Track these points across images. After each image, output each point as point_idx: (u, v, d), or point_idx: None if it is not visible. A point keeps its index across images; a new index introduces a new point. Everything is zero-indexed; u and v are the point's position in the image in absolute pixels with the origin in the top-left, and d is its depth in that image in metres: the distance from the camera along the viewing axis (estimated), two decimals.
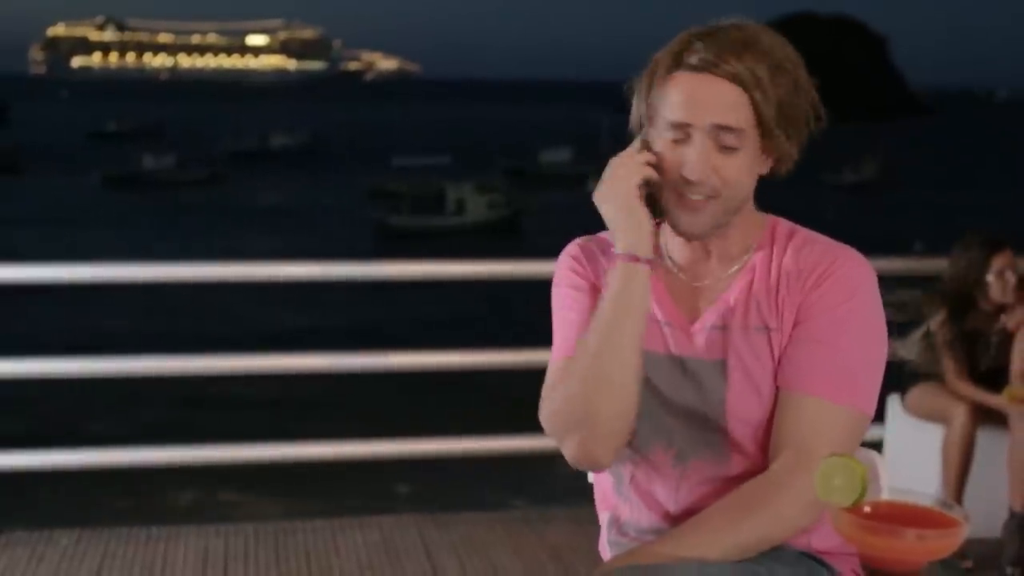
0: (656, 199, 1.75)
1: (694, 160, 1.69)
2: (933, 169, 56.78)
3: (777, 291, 1.76)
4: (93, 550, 3.89)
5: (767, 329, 1.75)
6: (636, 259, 1.72)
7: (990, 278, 4.18)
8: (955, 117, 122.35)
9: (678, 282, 1.83)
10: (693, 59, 1.68)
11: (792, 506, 1.68)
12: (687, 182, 1.70)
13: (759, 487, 1.70)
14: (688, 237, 1.76)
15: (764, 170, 1.76)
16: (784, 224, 1.84)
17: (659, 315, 1.81)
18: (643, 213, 1.74)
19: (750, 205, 1.80)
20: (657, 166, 1.73)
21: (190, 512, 11.87)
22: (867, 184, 49.38)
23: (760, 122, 1.68)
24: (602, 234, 1.87)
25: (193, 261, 4.63)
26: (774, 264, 1.78)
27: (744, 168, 1.71)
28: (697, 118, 1.68)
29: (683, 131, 1.70)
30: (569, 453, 1.76)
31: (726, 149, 1.68)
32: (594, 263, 1.86)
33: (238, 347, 5.31)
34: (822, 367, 1.71)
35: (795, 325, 1.74)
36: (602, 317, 1.72)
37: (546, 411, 1.77)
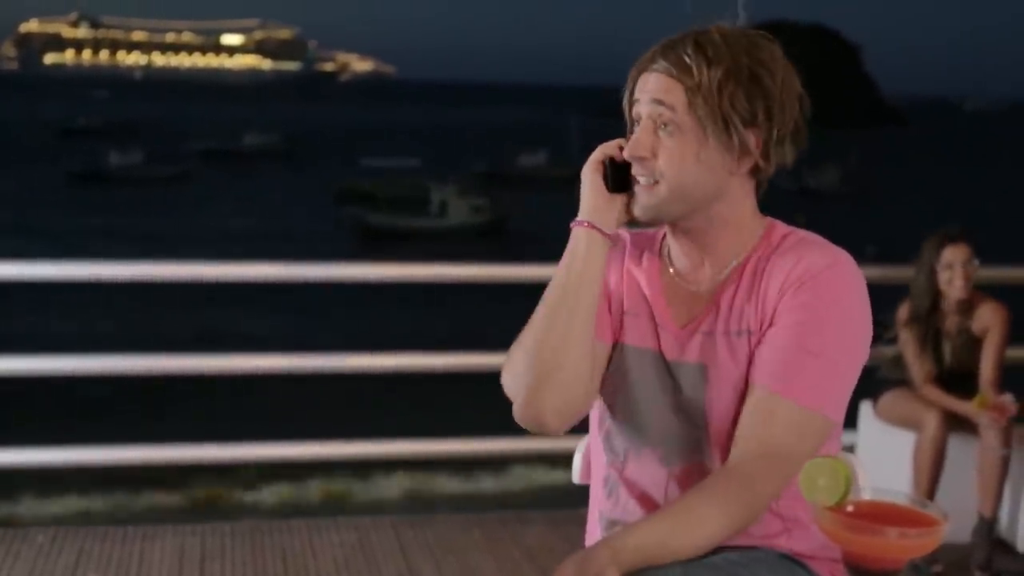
0: (621, 177, 1.82)
1: (636, 136, 1.79)
2: (898, 177, 56.87)
3: (761, 295, 1.78)
4: (69, 548, 3.89)
5: (748, 333, 1.78)
6: (590, 226, 1.82)
7: (938, 267, 4.19)
8: (924, 126, 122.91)
9: (675, 286, 1.87)
10: (654, 64, 1.78)
11: (759, 499, 1.70)
12: (635, 160, 1.79)
13: (729, 480, 1.70)
14: (640, 221, 1.83)
15: (731, 171, 1.77)
16: (780, 227, 1.85)
17: (655, 316, 1.87)
18: (598, 185, 1.84)
19: (742, 210, 1.82)
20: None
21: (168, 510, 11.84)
22: (825, 191, 48.87)
23: (691, 104, 1.73)
24: (647, 230, 1.95)
25: (159, 260, 4.62)
26: (761, 268, 1.80)
27: (681, 152, 1.75)
28: (643, 95, 1.78)
29: (638, 117, 1.80)
30: (515, 408, 1.84)
31: (664, 128, 1.76)
32: (614, 254, 1.93)
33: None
34: (795, 370, 1.72)
35: (772, 325, 1.75)
36: (553, 279, 1.84)
37: (504, 368, 1.86)
